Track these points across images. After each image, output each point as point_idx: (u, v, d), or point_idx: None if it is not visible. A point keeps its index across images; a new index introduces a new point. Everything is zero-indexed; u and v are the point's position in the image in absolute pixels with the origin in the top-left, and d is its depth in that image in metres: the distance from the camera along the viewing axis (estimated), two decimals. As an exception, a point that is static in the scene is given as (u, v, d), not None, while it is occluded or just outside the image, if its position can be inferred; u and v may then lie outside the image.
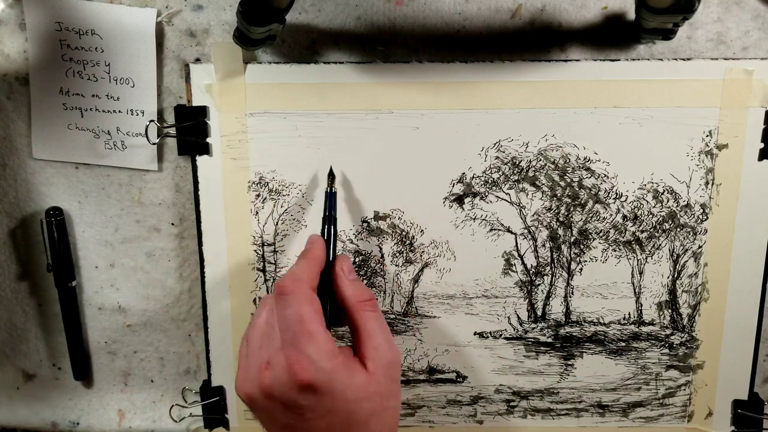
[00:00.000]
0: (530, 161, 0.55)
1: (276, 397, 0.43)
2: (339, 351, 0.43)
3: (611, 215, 0.56)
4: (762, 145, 0.54)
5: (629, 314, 0.58)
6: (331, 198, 0.52)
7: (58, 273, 0.59)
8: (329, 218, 0.51)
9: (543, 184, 0.56)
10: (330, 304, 0.48)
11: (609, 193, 0.56)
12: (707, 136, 0.54)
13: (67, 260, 0.59)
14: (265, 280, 0.58)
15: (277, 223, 0.57)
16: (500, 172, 0.56)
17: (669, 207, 0.56)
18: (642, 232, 0.56)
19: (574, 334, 0.59)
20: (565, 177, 0.56)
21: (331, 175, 0.53)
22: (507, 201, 0.56)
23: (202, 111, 0.55)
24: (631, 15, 0.52)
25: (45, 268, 0.59)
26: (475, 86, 0.54)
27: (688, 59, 0.53)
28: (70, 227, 0.59)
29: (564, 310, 0.58)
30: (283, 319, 0.44)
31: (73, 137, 0.57)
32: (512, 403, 0.61)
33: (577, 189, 0.56)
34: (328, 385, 0.42)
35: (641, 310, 0.58)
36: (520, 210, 0.56)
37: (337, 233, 0.52)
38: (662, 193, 0.55)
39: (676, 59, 0.53)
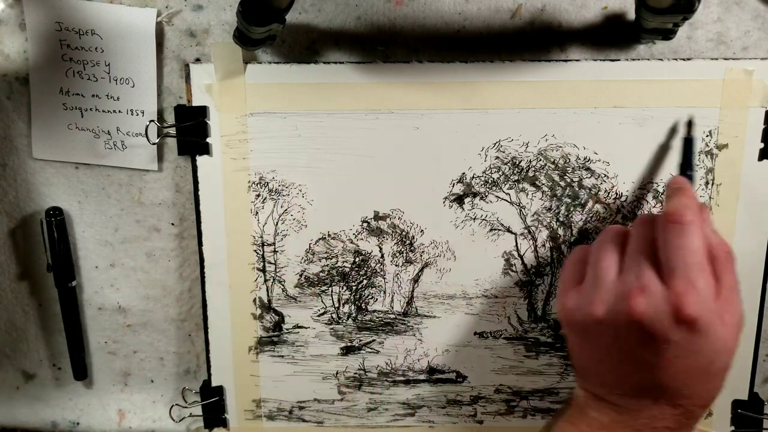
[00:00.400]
0: (530, 161, 0.55)
1: (645, 325, 0.41)
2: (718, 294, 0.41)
3: (611, 215, 0.56)
4: (762, 145, 0.54)
5: (629, 314, 0.58)
6: (688, 144, 0.52)
7: (58, 273, 0.59)
8: (686, 164, 0.51)
9: (543, 184, 0.56)
10: None
11: (609, 193, 0.56)
12: (707, 136, 0.54)
13: (67, 260, 0.59)
14: (265, 280, 0.58)
15: (277, 223, 0.57)
16: (500, 172, 0.56)
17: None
18: (642, 232, 0.56)
19: (574, 334, 0.59)
20: (565, 177, 0.56)
21: (690, 124, 0.53)
22: (507, 201, 0.56)
23: (202, 111, 0.55)
24: (631, 15, 0.52)
25: (45, 268, 0.59)
26: (475, 86, 0.54)
27: (688, 59, 0.53)
28: (70, 227, 0.59)
29: (564, 310, 0.58)
30: (674, 247, 0.41)
31: (73, 137, 0.57)
32: (512, 403, 0.61)
33: (577, 189, 0.56)
34: (708, 325, 0.40)
35: (641, 310, 0.58)
36: (520, 210, 0.56)
37: (694, 181, 0.52)
38: (662, 193, 0.55)
39: (676, 59, 0.53)
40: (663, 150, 0.54)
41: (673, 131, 0.54)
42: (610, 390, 0.45)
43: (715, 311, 0.41)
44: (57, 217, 0.58)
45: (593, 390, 0.46)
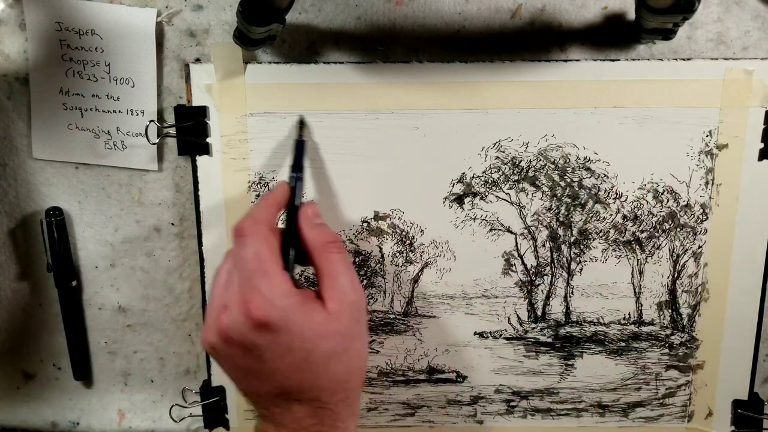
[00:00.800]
0: (530, 161, 0.55)
1: (234, 339, 0.42)
2: (296, 291, 0.43)
3: (611, 215, 0.56)
4: (762, 145, 0.54)
5: (629, 314, 0.58)
6: (299, 147, 0.52)
7: (58, 273, 0.59)
8: (296, 166, 0.51)
9: (543, 184, 0.56)
10: (295, 248, 0.46)
11: (609, 193, 0.56)
12: (707, 136, 0.54)
13: (67, 260, 0.59)
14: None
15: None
16: (500, 172, 0.56)
17: (669, 207, 0.56)
18: (642, 232, 0.56)
19: (574, 334, 0.59)
20: (565, 177, 0.56)
21: (302, 124, 0.54)
22: (507, 201, 0.56)
23: (202, 111, 0.55)
24: (631, 15, 0.52)
25: (45, 268, 0.59)
26: (475, 86, 0.54)
27: (688, 59, 0.53)
28: (70, 227, 0.59)
29: (564, 310, 0.58)
30: (241, 259, 0.43)
31: (73, 137, 0.57)
32: (512, 403, 0.61)
33: (577, 189, 0.56)
34: (283, 322, 0.41)
35: (641, 310, 0.58)
36: (520, 210, 0.56)
37: (303, 182, 0.52)
38: (662, 193, 0.55)
39: (676, 59, 0.53)
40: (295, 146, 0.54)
41: (300, 126, 0.54)
42: (258, 403, 0.46)
43: (288, 307, 0.42)
44: (57, 217, 0.58)
45: (254, 406, 0.47)
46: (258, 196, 0.57)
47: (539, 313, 0.59)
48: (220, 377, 0.60)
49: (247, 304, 0.41)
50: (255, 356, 0.42)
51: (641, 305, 0.58)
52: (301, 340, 0.42)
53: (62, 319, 0.61)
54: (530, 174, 0.56)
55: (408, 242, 0.57)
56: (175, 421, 0.62)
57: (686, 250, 0.56)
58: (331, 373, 0.44)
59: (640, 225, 0.56)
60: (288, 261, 0.45)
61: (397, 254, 0.58)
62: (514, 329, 0.59)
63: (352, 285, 0.45)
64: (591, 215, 0.56)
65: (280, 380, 0.43)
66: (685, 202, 0.55)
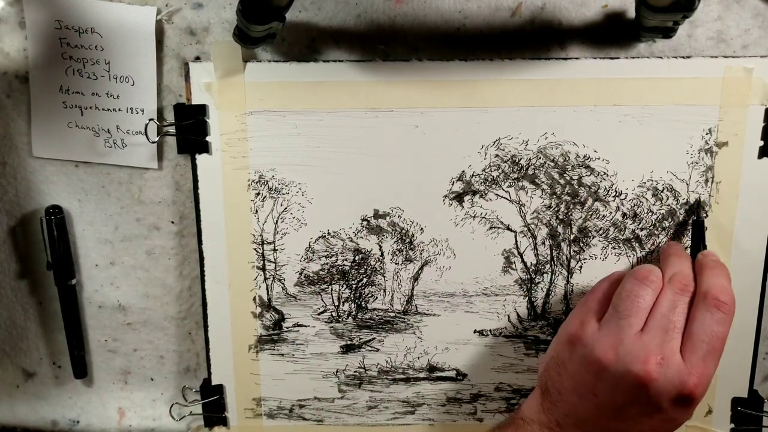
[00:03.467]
0: (530, 159, 0.55)
1: (650, 391, 0.44)
2: None
3: (611, 213, 0.56)
4: (762, 143, 0.54)
5: (629, 312, 0.58)
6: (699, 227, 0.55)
7: (57, 271, 0.59)
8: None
9: (543, 182, 0.56)
10: None
11: (608, 190, 0.56)
12: (707, 133, 0.54)
13: (67, 258, 0.59)
14: (265, 279, 0.58)
15: (276, 221, 0.57)
16: (500, 170, 0.56)
17: (669, 205, 0.56)
18: (642, 229, 0.56)
19: (574, 332, 0.59)
20: (565, 175, 0.56)
21: (698, 205, 0.55)
22: (507, 199, 0.56)
23: (202, 109, 0.55)
24: (631, 13, 0.52)
25: (45, 267, 0.59)
26: (475, 84, 0.54)
27: (688, 57, 0.53)
28: (70, 225, 0.59)
29: (564, 308, 0.58)
30: (711, 332, 0.44)
31: (73, 135, 0.57)
32: (512, 401, 0.61)
33: (576, 187, 0.56)
34: (696, 402, 0.44)
35: (641, 308, 0.58)
36: (520, 208, 0.56)
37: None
38: (662, 191, 0.55)
39: (676, 57, 0.53)
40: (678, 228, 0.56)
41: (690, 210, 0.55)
42: (575, 424, 0.47)
43: (701, 394, 0.45)
44: (57, 216, 0.58)
45: (553, 415, 0.48)
46: (258, 194, 0.56)
47: (539, 311, 0.59)
48: (220, 376, 0.60)
49: (694, 378, 0.43)
50: (647, 410, 0.45)
51: (641, 303, 0.58)
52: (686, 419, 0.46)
53: (62, 318, 0.61)
54: (530, 172, 0.56)
55: (408, 240, 0.57)
56: (175, 420, 0.62)
57: (686, 248, 0.56)
58: None
59: (640, 223, 0.56)
60: None
61: (397, 252, 0.58)
62: (514, 327, 0.59)
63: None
64: (591, 213, 0.56)
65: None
66: (685, 200, 0.55)
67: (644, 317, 0.46)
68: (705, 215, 0.55)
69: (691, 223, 0.55)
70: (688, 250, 0.55)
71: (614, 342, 0.46)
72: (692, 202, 0.55)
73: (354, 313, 0.59)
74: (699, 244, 0.54)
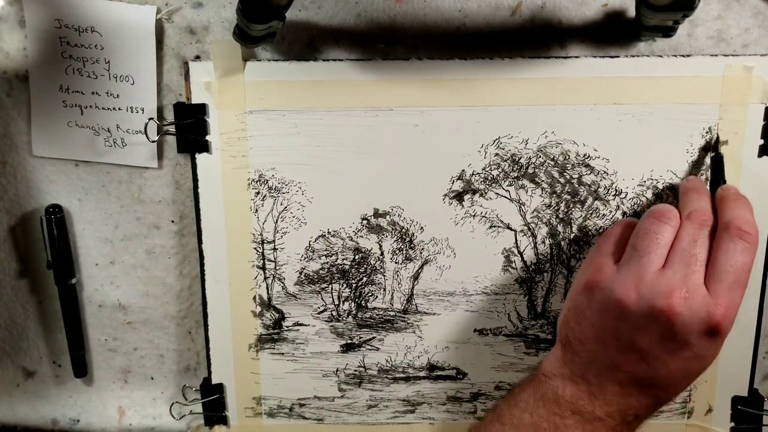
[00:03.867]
0: (530, 158, 0.55)
1: (676, 325, 0.43)
2: None
3: (611, 212, 0.56)
4: (762, 142, 0.54)
5: (629, 311, 0.58)
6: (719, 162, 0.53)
7: (57, 270, 0.59)
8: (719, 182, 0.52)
9: (542, 180, 0.56)
10: None
11: (608, 189, 0.56)
12: (707, 132, 0.54)
13: (67, 258, 0.59)
14: (265, 278, 0.58)
15: (276, 220, 0.57)
16: (500, 169, 0.56)
17: (669, 204, 0.56)
18: (642, 229, 0.56)
19: (574, 331, 0.59)
20: (565, 174, 0.56)
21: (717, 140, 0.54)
22: (507, 198, 0.56)
23: (202, 108, 0.55)
24: (632, 12, 0.52)
25: (45, 266, 0.59)
26: (474, 83, 0.54)
27: (688, 56, 0.53)
28: (70, 225, 0.59)
29: (564, 307, 0.58)
30: (735, 262, 0.43)
31: (73, 134, 0.57)
32: (512, 400, 0.61)
33: (576, 186, 0.56)
34: (724, 334, 0.43)
35: (641, 307, 0.58)
36: (520, 207, 0.56)
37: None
38: (662, 190, 0.55)
39: (676, 56, 0.53)
40: (695, 165, 0.55)
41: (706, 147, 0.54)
42: (600, 373, 0.45)
43: (730, 324, 0.43)
44: (57, 215, 0.58)
45: (577, 367, 0.47)
46: (258, 193, 0.56)
47: (539, 309, 0.59)
48: (220, 375, 0.60)
49: (721, 310, 0.42)
50: (675, 346, 0.43)
51: (641, 302, 0.58)
52: (714, 357, 0.45)
53: (62, 317, 0.61)
54: (530, 171, 0.56)
55: (408, 239, 0.57)
56: (175, 419, 0.62)
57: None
58: (688, 385, 0.47)
59: (640, 222, 0.56)
60: None
61: (397, 251, 0.58)
62: (514, 326, 0.59)
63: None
64: (591, 212, 0.56)
65: (664, 374, 0.45)
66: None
67: (664, 254, 0.45)
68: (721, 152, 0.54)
69: (710, 158, 0.54)
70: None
71: (635, 281, 0.44)
72: (709, 139, 0.54)
73: (354, 312, 0.59)
74: (719, 179, 0.52)
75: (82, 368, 0.62)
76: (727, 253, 0.44)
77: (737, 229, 0.44)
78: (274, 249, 0.58)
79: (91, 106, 0.56)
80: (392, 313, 0.59)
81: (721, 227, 0.45)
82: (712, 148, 0.54)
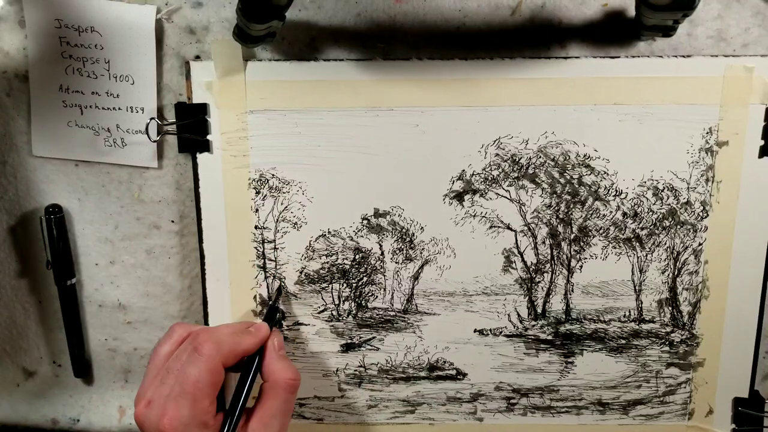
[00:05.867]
0: (530, 158, 0.55)
1: (144, 430, 0.45)
2: (214, 424, 0.45)
3: (611, 212, 0.56)
4: (762, 142, 0.54)
5: (629, 312, 0.58)
6: (272, 310, 0.56)
7: (57, 270, 0.59)
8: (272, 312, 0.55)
9: (543, 181, 0.56)
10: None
11: (609, 190, 0.56)
12: (707, 133, 0.54)
13: (67, 258, 0.59)
14: (266, 277, 0.58)
15: (277, 220, 0.57)
16: (500, 169, 0.56)
17: (669, 204, 0.56)
18: (642, 229, 0.56)
19: (575, 331, 0.59)
20: (565, 174, 0.55)
21: (279, 291, 0.58)
22: (507, 198, 0.56)
23: (203, 108, 0.55)
24: (632, 12, 0.52)
25: (45, 266, 0.59)
26: (475, 83, 0.54)
27: (689, 56, 0.53)
28: (71, 225, 0.59)
29: (564, 308, 0.58)
30: (183, 373, 0.45)
31: (73, 134, 0.57)
32: (512, 401, 0.61)
33: (576, 186, 0.56)
34: None
35: (641, 308, 0.58)
36: (520, 207, 0.56)
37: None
38: (662, 191, 0.55)
39: (676, 56, 0.53)
40: None
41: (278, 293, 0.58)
42: None
43: None
44: (56, 215, 0.58)
45: None
46: (258, 193, 0.57)
47: (539, 310, 0.59)
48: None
49: (164, 419, 0.44)
50: None
51: (641, 303, 0.58)
52: None
53: (62, 317, 0.61)
54: (530, 171, 0.56)
55: (408, 239, 0.57)
56: (175, 419, 0.62)
57: (686, 247, 0.56)
58: None
59: (640, 222, 0.56)
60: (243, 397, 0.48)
61: (397, 251, 0.58)
62: (514, 326, 0.59)
63: (281, 428, 0.48)
64: (591, 212, 0.56)
65: None
66: (686, 200, 0.55)
67: (159, 364, 0.48)
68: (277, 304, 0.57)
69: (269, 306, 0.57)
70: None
71: (141, 387, 0.48)
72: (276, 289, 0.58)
73: (354, 312, 0.59)
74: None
75: (82, 368, 0.62)
76: (182, 365, 0.46)
77: (194, 340, 0.47)
78: (275, 248, 0.58)
79: (91, 106, 0.56)
80: (392, 313, 0.59)
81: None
82: (274, 298, 0.58)
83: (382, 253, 0.58)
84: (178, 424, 0.44)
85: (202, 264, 0.58)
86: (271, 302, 0.57)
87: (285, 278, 0.58)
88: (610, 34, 0.53)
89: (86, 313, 0.62)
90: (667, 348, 0.59)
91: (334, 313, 0.59)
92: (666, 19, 0.48)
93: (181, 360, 0.46)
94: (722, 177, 0.55)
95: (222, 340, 0.47)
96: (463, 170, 0.56)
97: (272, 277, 0.58)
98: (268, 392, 0.48)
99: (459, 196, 0.56)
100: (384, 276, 0.58)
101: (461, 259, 0.57)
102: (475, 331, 0.59)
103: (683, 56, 0.53)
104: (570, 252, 0.57)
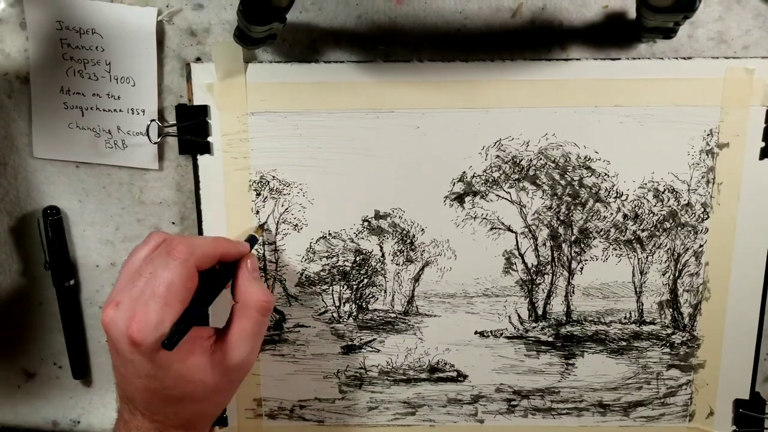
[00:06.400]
0: (531, 160, 0.55)
1: (110, 335, 0.43)
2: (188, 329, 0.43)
3: (612, 214, 0.56)
4: (763, 144, 0.54)
5: (630, 313, 0.58)
6: (251, 239, 0.54)
7: (55, 272, 0.59)
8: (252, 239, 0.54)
9: (543, 182, 0.56)
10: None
11: (609, 191, 0.56)
12: (708, 134, 0.54)
13: (65, 259, 0.59)
14: (266, 279, 0.58)
15: (278, 222, 0.57)
16: (501, 171, 0.56)
17: (670, 206, 0.56)
18: (643, 231, 0.56)
19: (575, 333, 0.59)
20: (566, 176, 0.55)
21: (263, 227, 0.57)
22: (507, 200, 0.56)
23: (203, 110, 0.55)
24: (632, 14, 0.52)
25: (44, 267, 0.59)
26: (475, 85, 0.54)
27: (689, 58, 0.53)
28: (71, 226, 0.59)
29: (565, 309, 0.58)
30: (154, 275, 0.43)
31: (74, 136, 0.57)
32: (513, 403, 0.61)
33: (577, 188, 0.56)
34: (155, 353, 0.42)
35: (642, 310, 0.58)
36: (521, 209, 0.56)
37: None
38: (663, 192, 0.55)
39: (677, 58, 0.53)
40: None
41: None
42: (120, 396, 0.47)
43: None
44: (54, 216, 0.58)
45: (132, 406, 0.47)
46: (258, 195, 0.57)
47: (540, 312, 0.59)
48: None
49: (132, 320, 0.42)
50: (121, 359, 0.44)
51: (642, 304, 0.58)
52: (164, 373, 0.43)
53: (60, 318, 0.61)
54: (531, 173, 0.56)
55: (409, 241, 0.57)
56: (176, 420, 0.62)
57: (687, 249, 0.56)
58: (180, 409, 0.46)
59: (641, 224, 0.56)
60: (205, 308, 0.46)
61: (398, 253, 0.58)
62: (514, 328, 0.59)
63: (251, 351, 0.47)
64: (591, 214, 0.56)
65: (129, 391, 0.45)
66: (686, 201, 0.55)
67: (132, 268, 0.45)
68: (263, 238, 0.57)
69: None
70: None
71: (111, 294, 0.45)
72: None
73: (355, 313, 0.59)
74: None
75: (80, 369, 0.62)
76: (153, 267, 0.44)
77: (167, 244, 0.45)
78: (275, 250, 0.58)
79: (91, 108, 0.56)
80: (393, 315, 0.59)
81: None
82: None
83: (383, 255, 0.58)
84: (146, 327, 0.42)
85: (203, 266, 0.58)
86: (252, 233, 0.56)
87: (286, 280, 0.58)
88: (610, 36, 0.53)
89: (87, 314, 0.62)
90: (667, 350, 0.59)
91: (335, 314, 0.59)
92: (667, 21, 0.48)
93: (154, 263, 0.44)
94: (723, 179, 0.55)
95: (196, 243, 0.46)
96: (464, 172, 0.56)
97: (273, 279, 0.58)
98: (238, 313, 0.47)
99: (460, 198, 0.56)
100: (384, 278, 0.58)
101: (462, 261, 0.57)
102: (475, 332, 0.59)
103: (684, 58, 0.53)
104: (571, 254, 0.57)
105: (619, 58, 0.53)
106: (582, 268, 0.57)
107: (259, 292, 0.48)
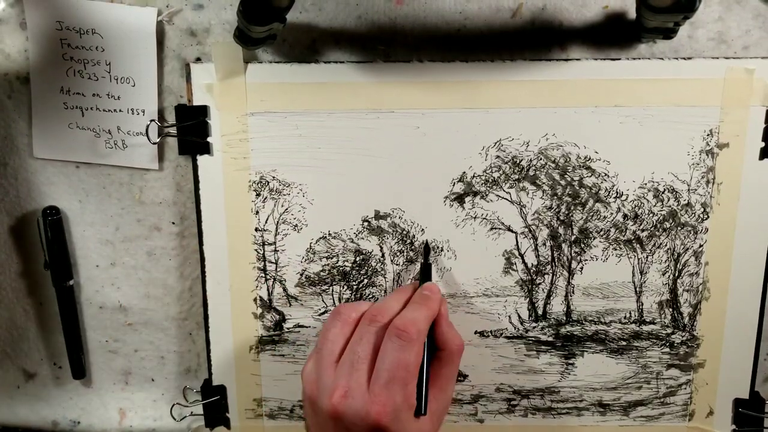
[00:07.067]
0: (531, 160, 0.55)
1: (343, 422, 0.44)
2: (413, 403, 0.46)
3: (612, 214, 0.56)
4: (763, 144, 0.54)
5: (630, 313, 0.58)
6: (426, 268, 0.56)
7: (54, 272, 0.59)
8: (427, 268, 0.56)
9: (543, 183, 0.56)
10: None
11: (609, 192, 0.56)
12: (708, 135, 0.54)
13: (64, 259, 0.59)
14: (266, 279, 0.58)
15: (277, 222, 0.57)
16: (501, 171, 0.56)
17: (670, 206, 0.56)
18: (642, 231, 0.56)
19: (575, 333, 0.59)
20: (566, 176, 0.56)
21: (427, 249, 0.56)
22: (507, 200, 0.56)
23: (203, 110, 0.55)
24: (632, 14, 0.52)
25: (44, 267, 0.59)
26: (475, 85, 0.54)
27: (689, 58, 0.53)
28: (71, 226, 0.59)
29: (565, 309, 0.58)
30: (390, 360, 0.45)
31: (74, 136, 0.57)
32: (513, 402, 0.61)
33: (577, 188, 0.56)
34: (398, 424, 0.44)
35: (642, 309, 0.58)
36: (521, 209, 0.56)
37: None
38: (663, 192, 0.55)
39: (676, 58, 0.53)
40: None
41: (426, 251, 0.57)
42: None
43: (406, 420, 0.45)
44: (53, 216, 0.58)
45: None
46: (258, 195, 0.57)
47: (540, 312, 0.59)
48: (221, 376, 0.60)
49: (377, 406, 0.44)
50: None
51: (642, 304, 0.58)
52: None
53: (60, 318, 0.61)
54: (531, 173, 0.56)
55: (409, 241, 0.57)
56: (176, 420, 0.62)
57: (687, 249, 0.56)
58: None
59: (641, 224, 0.56)
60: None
61: (398, 253, 0.58)
62: (514, 328, 0.59)
63: (450, 395, 0.51)
64: (591, 214, 0.56)
65: None
66: (686, 201, 0.55)
67: (335, 350, 0.48)
68: (433, 260, 0.57)
69: (420, 265, 0.56)
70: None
71: (315, 377, 0.48)
72: (422, 245, 0.57)
73: (355, 314, 0.59)
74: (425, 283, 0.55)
75: (80, 370, 0.62)
76: (384, 351, 0.46)
77: (395, 327, 0.46)
78: (275, 251, 0.58)
79: (91, 108, 0.56)
80: (393, 315, 0.59)
81: (388, 328, 0.47)
82: (423, 255, 0.56)
83: (383, 255, 0.58)
84: (392, 410, 0.44)
85: (203, 266, 0.58)
86: (423, 260, 0.57)
87: (285, 281, 0.58)
88: (610, 36, 0.54)
89: (87, 314, 0.62)
90: (667, 349, 0.59)
91: (335, 314, 0.59)
92: (667, 21, 0.48)
93: (371, 343, 0.46)
94: (723, 179, 0.55)
95: (417, 318, 0.48)
96: (464, 172, 0.56)
97: (273, 280, 0.58)
98: (444, 359, 0.50)
99: (460, 198, 0.56)
100: (385, 278, 0.58)
101: (462, 261, 0.58)
102: (475, 332, 0.59)
103: (684, 58, 0.53)
104: (570, 254, 0.57)
105: (619, 59, 0.53)
106: (582, 268, 0.57)
107: (458, 337, 0.51)
